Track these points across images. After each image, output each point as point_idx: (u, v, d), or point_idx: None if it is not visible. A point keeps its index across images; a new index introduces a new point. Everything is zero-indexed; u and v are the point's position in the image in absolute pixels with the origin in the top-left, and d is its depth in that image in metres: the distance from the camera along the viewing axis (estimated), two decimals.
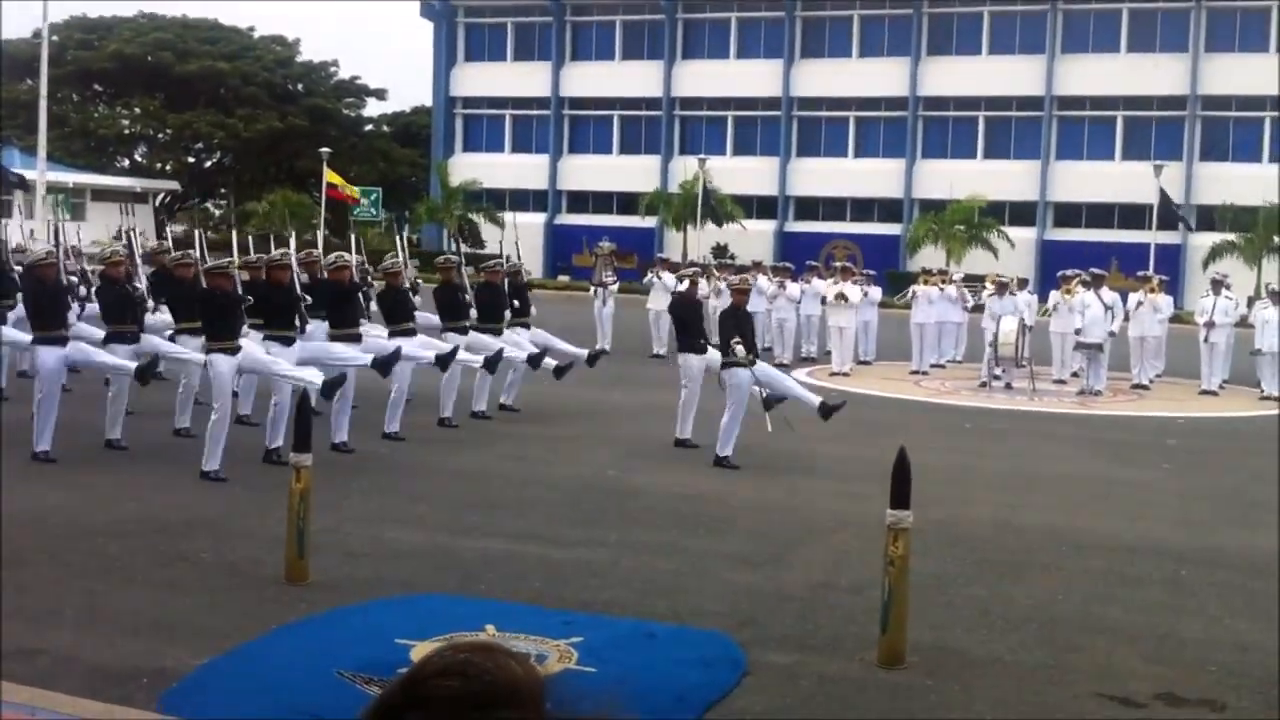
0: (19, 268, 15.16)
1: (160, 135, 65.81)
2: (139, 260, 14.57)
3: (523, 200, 56.08)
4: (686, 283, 14.59)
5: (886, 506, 7.15)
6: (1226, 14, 49.65)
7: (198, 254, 13.83)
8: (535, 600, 8.08)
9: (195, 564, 8.78)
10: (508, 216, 26.55)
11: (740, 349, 12.68)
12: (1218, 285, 21.98)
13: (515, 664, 1.58)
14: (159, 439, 13.36)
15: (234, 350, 11.92)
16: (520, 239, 18.59)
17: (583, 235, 50.82)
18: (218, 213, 68.17)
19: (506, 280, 16.24)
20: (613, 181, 55.93)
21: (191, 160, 67.22)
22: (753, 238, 48.19)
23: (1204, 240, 45.10)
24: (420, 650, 6.67)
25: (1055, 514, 11.32)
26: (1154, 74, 49.68)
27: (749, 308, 14.02)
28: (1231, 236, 43.49)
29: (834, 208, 54.09)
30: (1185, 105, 49.71)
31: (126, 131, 66.76)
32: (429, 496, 11.26)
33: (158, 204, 61.47)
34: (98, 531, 9.53)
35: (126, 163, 66.99)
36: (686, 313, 14.25)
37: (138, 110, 65.13)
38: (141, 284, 13.96)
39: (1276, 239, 42.33)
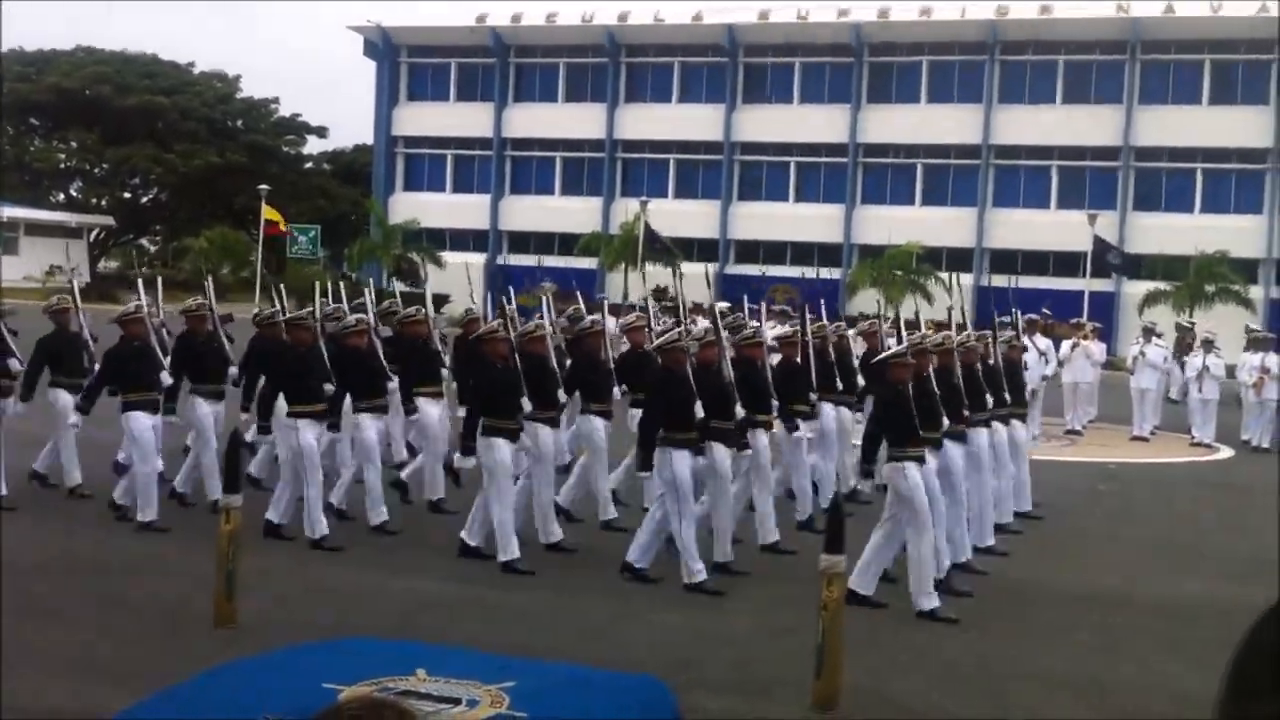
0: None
1: (97, 170, 65.05)
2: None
3: (463, 240, 56.00)
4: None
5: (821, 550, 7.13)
6: (1160, 66, 50.63)
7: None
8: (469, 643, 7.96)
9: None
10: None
11: None
12: (1149, 333, 22.26)
13: None
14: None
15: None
16: (459, 278, 18.11)
17: (524, 276, 50.76)
18: (152, 249, 67.39)
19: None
20: (555, 222, 55.89)
21: (128, 196, 66.45)
22: (692, 280, 48.24)
23: (1137, 288, 45.74)
24: (349, 695, 6.54)
25: (987, 560, 11.33)
26: (1088, 125, 50.51)
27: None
28: (1164, 285, 44.14)
29: (774, 251, 54.39)
30: (1119, 156, 50.57)
31: (63, 166, 65.94)
32: None
33: (91, 239, 60.76)
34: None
35: (62, 197, 66.14)
36: None
37: (74, 144, 64.32)
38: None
39: (1208, 288, 42.97)
